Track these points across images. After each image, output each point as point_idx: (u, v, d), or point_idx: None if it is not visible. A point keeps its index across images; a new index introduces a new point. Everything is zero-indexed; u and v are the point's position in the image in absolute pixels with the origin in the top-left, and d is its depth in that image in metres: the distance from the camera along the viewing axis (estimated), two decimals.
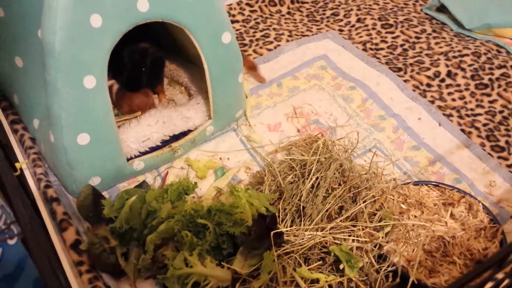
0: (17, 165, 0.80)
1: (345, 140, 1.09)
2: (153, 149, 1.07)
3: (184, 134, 1.12)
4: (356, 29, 1.57)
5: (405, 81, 1.35)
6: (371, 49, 1.48)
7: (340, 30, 1.57)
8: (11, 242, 0.49)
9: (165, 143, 1.09)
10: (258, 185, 1.01)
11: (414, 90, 1.32)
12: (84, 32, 0.89)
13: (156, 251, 0.91)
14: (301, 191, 0.92)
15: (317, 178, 0.93)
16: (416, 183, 1.03)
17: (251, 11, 1.62)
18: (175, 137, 1.11)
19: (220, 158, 1.15)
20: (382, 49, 1.48)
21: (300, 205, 0.90)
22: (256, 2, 1.63)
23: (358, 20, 1.60)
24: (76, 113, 0.92)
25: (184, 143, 1.11)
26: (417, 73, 1.38)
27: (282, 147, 1.13)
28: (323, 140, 0.99)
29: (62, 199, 1.02)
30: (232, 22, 1.58)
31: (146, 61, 1.21)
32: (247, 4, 1.62)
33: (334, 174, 0.95)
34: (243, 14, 1.60)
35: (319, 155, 0.97)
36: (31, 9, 0.98)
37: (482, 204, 0.98)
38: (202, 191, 1.07)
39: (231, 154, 1.15)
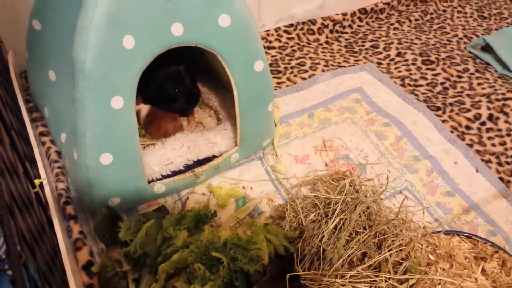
0: (36, 181, 0.79)
1: (375, 180, 1.04)
2: (175, 173, 1.05)
3: (208, 159, 1.10)
4: (395, 63, 1.53)
5: (443, 121, 1.29)
6: (409, 85, 1.43)
7: (379, 63, 1.53)
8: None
9: (188, 167, 1.07)
10: (279, 220, 0.97)
11: (452, 132, 1.26)
12: (116, 53, 0.88)
13: (168, 280, 0.88)
14: (323, 232, 0.87)
15: (341, 219, 0.89)
16: (447, 233, 0.97)
17: (288, 38, 1.60)
18: (199, 162, 1.09)
19: (243, 187, 1.12)
20: (421, 85, 1.43)
21: (320, 247, 0.85)
22: (294, 30, 1.61)
23: (398, 54, 1.56)
24: (101, 132, 0.92)
25: (208, 169, 1.09)
26: (457, 113, 1.32)
27: (307, 181, 1.09)
28: (350, 180, 0.95)
29: (80, 216, 1.01)
30: (269, 48, 1.56)
31: (184, 91, 1.21)
32: (285, 31, 1.60)
33: (360, 217, 0.90)
34: (280, 41, 1.58)
35: (345, 195, 0.92)
36: (67, 25, 0.99)
37: None
38: (221, 220, 1.05)
39: (255, 183, 1.12)
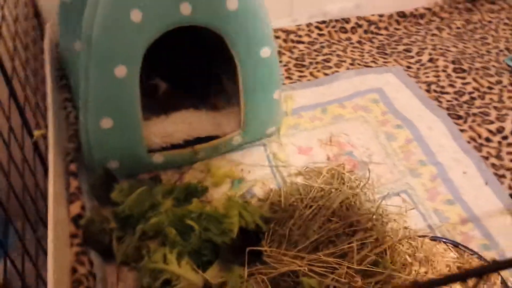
0: (35, 133, 0.86)
1: (369, 178, 1.02)
2: (174, 147, 1.09)
3: (211, 138, 1.13)
4: (425, 68, 1.48)
5: (462, 130, 1.24)
6: (435, 91, 1.39)
7: (408, 67, 1.49)
8: None
9: (188, 143, 1.10)
10: (262, 202, 0.98)
11: (469, 142, 1.21)
12: (123, 25, 0.93)
13: (144, 241, 0.92)
14: (298, 216, 0.88)
15: (318, 206, 0.89)
16: (433, 238, 0.93)
17: (319, 34, 1.60)
18: (200, 140, 1.12)
19: (242, 170, 1.13)
20: (447, 93, 1.38)
21: (291, 229, 0.86)
22: (327, 27, 1.61)
23: (430, 60, 1.51)
24: (103, 98, 0.97)
25: (208, 147, 1.12)
26: (478, 124, 1.26)
27: (303, 171, 1.09)
28: (335, 170, 0.94)
29: (82, 176, 1.07)
30: (297, 42, 1.57)
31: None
32: (316, 27, 1.61)
33: (342, 207, 0.90)
34: (309, 36, 1.59)
35: (327, 185, 0.92)
36: None
37: (502, 278, 0.86)
38: (213, 197, 1.07)
39: (254, 168, 1.14)
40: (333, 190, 0.91)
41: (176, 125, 1.09)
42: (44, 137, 0.98)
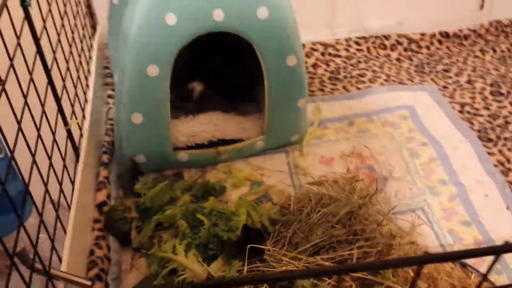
0: (69, 121, 0.95)
1: (377, 190, 1.03)
2: (199, 146, 1.15)
3: (235, 141, 1.18)
4: (462, 89, 1.47)
5: (490, 153, 1.22)
6: (468, 112, 1.37)
7: (444, 87, 1.48)
8: None
9: (212, 144, 1.15)
10: (274, 205, 1.01)
11: (495, 166, 1.19)
12: (157, 27, 1.00)
13: (158, 231, 0.98)
14: (304, 220, 0.90)
15: (325, 213, 0.91)
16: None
17: (357, 49, 1.62)
18: (224, 142, 1.17)
19: (262, 174, 1.17)
20: (481, 115, 1.36)
21: (295, 232, 0.88)
22: (366, 42, 1.63)
23: (468, 82, 1.49)
24: (135, 94, 1.05)
25: (231, 149, 1.17)
26: (509, 149, 1.24)
27: (319, 180, 1.11)
28: (349, 180, 0.96)
29: (113, 167, 1.15)
30: (334, 56, 1.60)
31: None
32: (355, 42, 1.63)
33: (348, 216, 0.91)
34: (347, 51, 1.61)
35: (337, 193, 0.94)
36: None
37: None
38: (231, 198, 1.11)
39: (274, 173, 1.17)
40: (341, 198, 0.92)
41: (202, 126, 1.14)
42: (80, 127, 1.06)
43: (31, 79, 0.78)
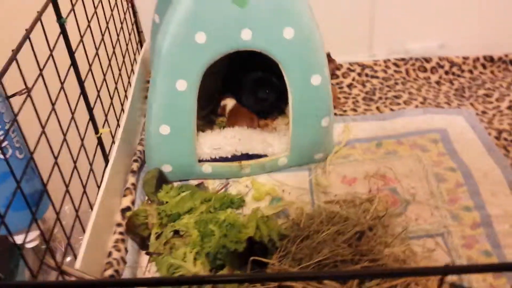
0: (100, 130, 1.02)
1: (404, 216, 1.02)
2: (223, 159, 1.19)
3: (258, 156, 1.21)
4: (501, 115, 1.42)
5: None
6: (505, 139, 1.32)
7: (484, 112, 1.44)
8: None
9: (235, 158, 1.19)
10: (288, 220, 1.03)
11: None
12: (188, 44, 1.06)
13: (174, 238, 1.02)
14: (312, 237, 0.91)
15: (334, 232, 0.92)
16: (453, 284, 0.91)
17: (395, 71, 1.61)
18: (248, 156, 1.20)
19: (283, 190, 1.19)
20: None
21: (302, 248, 0.90)
22: (405, 64, 1.61)
23: (509, 107, 1.44)
24: (164, 106, 1.11)
25: (254, 164, 1.20)
26: None
27: (334, 199, 1.11)
28: (365, 201, 0.96)
29: (141, 174, 1.22)
30: (372, 77, 1.59)
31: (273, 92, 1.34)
32: (394, 63, 1.62)
33: (357, 236, 0.92)
34: (385, 72, 1.60)
35: (350, 213, 0.95)
36: None
37: None
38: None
39: (295, 190, 1.19)
40: (352, 218, 0.93)
41: (226, 140, 1.19)
42: (112, 136, 1.14)
43: (62, 88, 0.85)
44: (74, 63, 0.93)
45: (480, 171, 1.20)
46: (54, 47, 0.83)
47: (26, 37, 0.73)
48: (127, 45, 1.38)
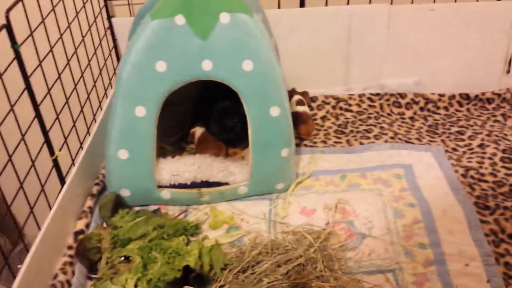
0: (56, 153, 1.04)
1: (358, 250, 1.01)
2: (182, 186, 1.20)
3: (219, 184, 1.21)
4: (472, 153, 1.41)
5: (484, 221, 1.16)
6: (472, 177, 1.31)
7: (454, 149, 1.43)
8: None
9: (195, 185, 1.20)
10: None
11: (487, 235, 1.12)
12: (148, 72, 1.09)
13: (121, 263, 1.02)
14: (253, 268, 0.91)
15: (274, 263, 0.91)
16: None
17: (369, 105, 1.62)
18: (209, 184, 1.21)
19: (242, 219, 1.19)
20: (485, 181, 1.30)
21: (241, 279, 0.89)
22: (380, 99, 1.62)
23: (480, 146, 1.43)
24: (123, 131, 1.12)
25: (213, 192, 1.20)
26: (506, 219, 1.16)
27: (290, 231, 1.11)
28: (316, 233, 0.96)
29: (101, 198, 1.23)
30: (346, 110, 1.61)
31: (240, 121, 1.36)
32: (369, 98, 1.63)
33: (297, 269, 0.91)
34: (359, 106, 1.61)
35: (292, 245, 0.94)
36: None
37: None
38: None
39: (254, 219, 1.19)
40: (292, 250, 0.92)
41: (186, 166, 1.20)
42: (72, 158, 1.16)
43: (11, 110, 0.87)
44: (28, 87, 0.95)
45: (440, 208, 1.19)
46: (4, 71, 0.86)
47: None
48: (101, 70, 1.41)
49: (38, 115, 0.99)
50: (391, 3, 1.58)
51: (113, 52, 1.54)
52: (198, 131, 1.41)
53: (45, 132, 1.01)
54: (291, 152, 1.21)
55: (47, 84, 1.04)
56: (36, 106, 0.98)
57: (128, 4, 1.54)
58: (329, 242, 1.05)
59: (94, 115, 1.34)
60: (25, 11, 0.98)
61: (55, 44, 1.08)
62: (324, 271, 0.91)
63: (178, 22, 1.07)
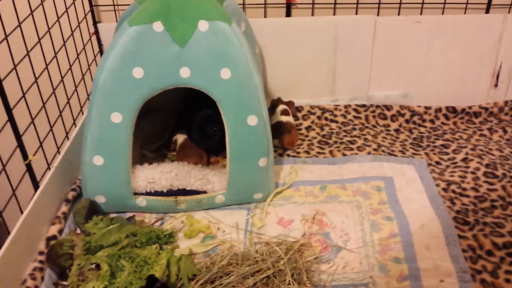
0: (30, 157, 1.03)
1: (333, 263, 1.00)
2: (158, 194, 1.18)
3: (197, 193, 1.20)
4: (454, 167, 1.40)
5: (462, 236, 1.14)
6: (453, 191, 1.30)
7: (437, 163, 1.42)
8: None
9: (171, 193, 1.19)
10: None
11: (465, 251, 1.11)
12: (124, 79, 1.08)
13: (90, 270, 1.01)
14: (221, 279, 0.90)
15: (242, 275, 0.90)
16: None
17: (354, 117, 1.61)
18: (186, 192, 1.20)
19: (218, 228, 1.18)
20: (467, 196, 1.28)
21: None
22: (365, 111, 1.61)
23: (464, 160, 1.42)
24: (98, 138, 1.12)
25: (190, 200, 1.19)
26: (485, 235, 1.15)
27: (263, 240, 1.10)
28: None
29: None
30: (331, 121, 1.60)
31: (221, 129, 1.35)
32: (354, 109, 1.62)
33: (265, 281, 0.90)
34: (345, 117, 1.61)
35: (263, 257, 0.93)
36: None
37: None
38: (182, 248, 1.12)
39: (230, 229, 1.17)
40: (259, 262, 0.91)
41: (162, 174, 1.19)
42: (48, 163, 1.15)
43: None
44: (1, 91, 0.95)
45: (418, 222, 1.18)
46: None
47: None
48: (83, 74, 1.40)
49: (11, 119, 0.98)
50: (378, 15, 1.58)
51: (98, 57, 1.53)
52: (180, 138, 1.40)
53: (18, 136, 1.00)
54: (270, 162, 1.20)
55: (22, 88, 1.03)
56: (9, 109, 0.97)
57: (115, 10, 1.54)
58: (304, 254, 1.03)
59: (74, 120, 1.33)
60: None
61: (32, 48, 1.08)
62: (292, 284, 0.90)
63: (156, 28, 1.06)
